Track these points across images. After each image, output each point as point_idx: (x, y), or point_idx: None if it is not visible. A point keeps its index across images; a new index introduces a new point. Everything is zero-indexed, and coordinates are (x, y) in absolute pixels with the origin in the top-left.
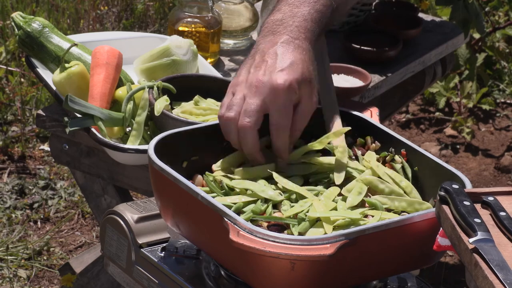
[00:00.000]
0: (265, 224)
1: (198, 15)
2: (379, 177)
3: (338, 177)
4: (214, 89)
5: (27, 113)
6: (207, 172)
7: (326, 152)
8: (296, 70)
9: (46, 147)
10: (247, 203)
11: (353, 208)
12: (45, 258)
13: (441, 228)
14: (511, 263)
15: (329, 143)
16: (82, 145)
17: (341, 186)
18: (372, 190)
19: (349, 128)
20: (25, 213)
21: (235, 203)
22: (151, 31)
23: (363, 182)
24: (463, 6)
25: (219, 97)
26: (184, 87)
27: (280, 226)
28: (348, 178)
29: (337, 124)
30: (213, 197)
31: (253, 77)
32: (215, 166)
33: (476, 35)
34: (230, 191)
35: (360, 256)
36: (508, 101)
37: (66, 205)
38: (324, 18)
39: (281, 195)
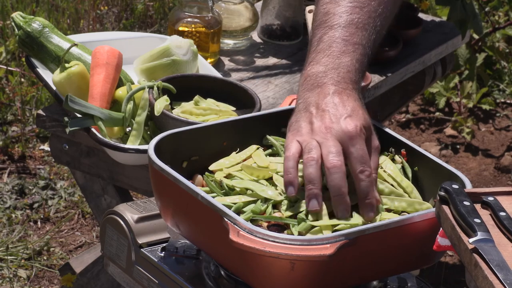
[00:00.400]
0: (265, 224)
1: (198, 15)
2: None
3: None
4: (214, 89)
5: (27, 113)
6: (207, 173)
7: None
8: (359, 116)
9: (46, 147)
10: (247, 203)
11: (352, 207)
12: (45, 258)
13: (441, 228)
14: (511, 263)
15: None
16: (82, 145)
17: None
18: None
19: None
20: (25, 213)
21: (235, 203)
22: (151, 31)
23: None
24: (461, 6)
25: (219, 97)
26: (184, 87)
27: (280, 226)
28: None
29: None
30: (213, 197)
31: (321, 125)
32: (212, 167)
33: (476, 35)
34: (230, 191)
35: (360, 256)
36: (508, 101)
37: (66, 205)
38: (363, 67)
39: (281, 195)
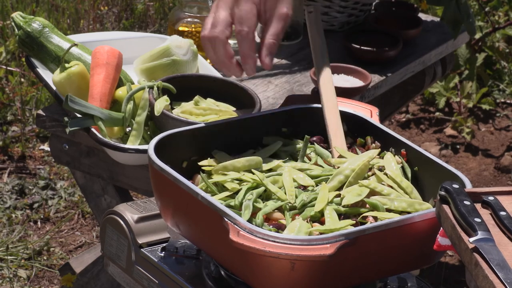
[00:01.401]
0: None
1: (198, 15)
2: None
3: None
4: (214, 89)
5: (27, 113)
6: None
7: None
8: None
9: (46, 147)
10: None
11: (352, 206)
12: (45, 258)
13: (441, 228)
14: (511, 262)
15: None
16: (82, 145)
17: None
18: (372, 190)
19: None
20: (25, 213)
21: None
22: (151, 31)
23: (363, 184)
24: (455, 7)
25: (219, 97)
26: (184, 87)
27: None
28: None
29: (337, 125)
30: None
31: None
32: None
33: (476, 35)
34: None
35: (360, 256)
36: (508, 101)
37: (66, 205)
38: None
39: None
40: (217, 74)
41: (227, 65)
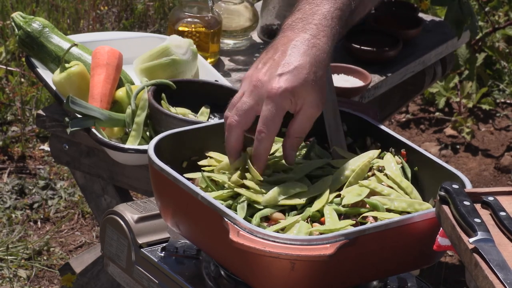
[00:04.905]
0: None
1: (198, 15)
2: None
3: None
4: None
5: (27, 113)
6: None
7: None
8: (297, 76)
9: (46, 147)
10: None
11: (352, 206)
12: (45, 258)
13: (441, 228)
14: (511, 263)
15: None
16: (82, 145)
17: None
18: (372, 190)
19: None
20: (25, 213)
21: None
22: (151, 31)
23: (363, 184)
24: (458, 7)
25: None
26: (182, 91)
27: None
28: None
29: (337, 125)
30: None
31: (256, 74)
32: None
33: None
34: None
35: (360, 256)
36: (508, 101)
37: (66, 205)
38: (344, 16)
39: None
40: (217, 74)
41: (232, 154)
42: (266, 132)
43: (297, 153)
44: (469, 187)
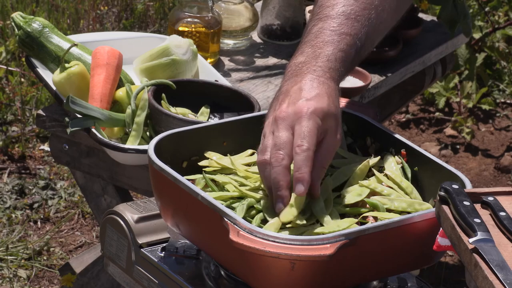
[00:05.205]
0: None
1: (198, 15)
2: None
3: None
4: (213, 93)
5: (27, 113)
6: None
7: None
8: (321, 101)
9: (46, 147)
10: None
11: (352, 206)
12: (45, 258)
13: (441, 228)
14: (511, 263)
15: None
16: (82, 145)
17: (341, 187)
18: (372, 190)
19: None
20: (25, 213)
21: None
22: (151, 31)
23: (364, 184)
24: (453, 6)
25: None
26: (182, 91)
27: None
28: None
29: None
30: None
31: (279, 111)
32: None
33: (476, 35)
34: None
35: (360, 256)
36: (508, 101)
37: (66, 205)
38: (349, 57)
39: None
40: (217, 74)
41: (281, 193)
42: (306, 144)
43: None
44: (469, 187)
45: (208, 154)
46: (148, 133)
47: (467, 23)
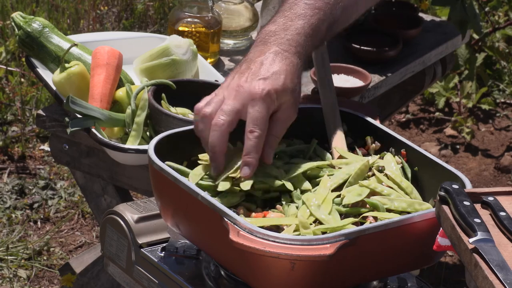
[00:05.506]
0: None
1: (198, 15)
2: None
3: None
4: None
5: (27, 113)
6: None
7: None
8: (277, 80)
9: (46, 147)
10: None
11: (352, 206)
12: (45, 258)
13: (441, 228)
14: (511, 263)
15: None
16: (82, 145)
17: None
18: (372, 190)
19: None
20: (25, 213)
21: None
22: (151, 31)
23: (364, 184)
24: (461, 7)
25: None
26: (180, 91)
27: (276, 226)
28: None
29: (337, 125)
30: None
31: (235, 82)
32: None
33: (476, 35)
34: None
35: (360, 256)
36: (508, 101)
37: (66, 205)
38: (319, 33)
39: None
40: (217, 74)
41: (218, 156)
42: (259, 131)
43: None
44: (469, 187)
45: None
46: (148, 133)
47: (477, 22)
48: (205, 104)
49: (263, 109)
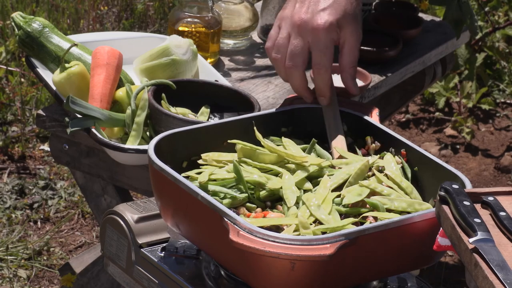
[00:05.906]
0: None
1: (198, 15)
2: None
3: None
4: (213, 93)
5: (27, 113)
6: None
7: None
8: (337, 8)
9: (46, 147)
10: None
11: (352, 206)
12: (45, 258)
13: (441, 228)
14: (511, 263)
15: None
16: (82, 145)
17: (341, 187)
18: (372, 190)
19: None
20: (25, 213)
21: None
22: (151, 31)
23: (364, 184)
24: (457, 6)
25: (218, 101)
26: (182, 91)
27: (276, 226)
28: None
29: (337, 125)
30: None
31: (297, 15)
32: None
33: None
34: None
35: (360, 256)
36: (508, 101)
37: (66, 205)
38: None
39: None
40: (217, 74)
41: (304, 92)
42: (324, 63)
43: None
44: (469, 187)
45: (204, 156)
46: (148, 133)
47: (473, 23)
48: (273, 45)
49: (327, 41)
